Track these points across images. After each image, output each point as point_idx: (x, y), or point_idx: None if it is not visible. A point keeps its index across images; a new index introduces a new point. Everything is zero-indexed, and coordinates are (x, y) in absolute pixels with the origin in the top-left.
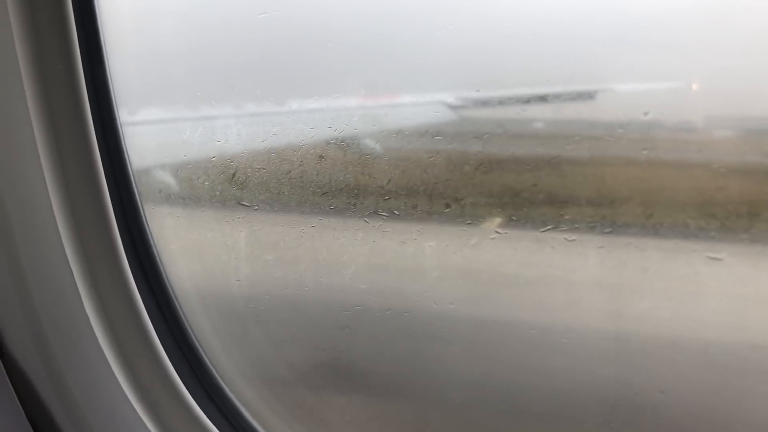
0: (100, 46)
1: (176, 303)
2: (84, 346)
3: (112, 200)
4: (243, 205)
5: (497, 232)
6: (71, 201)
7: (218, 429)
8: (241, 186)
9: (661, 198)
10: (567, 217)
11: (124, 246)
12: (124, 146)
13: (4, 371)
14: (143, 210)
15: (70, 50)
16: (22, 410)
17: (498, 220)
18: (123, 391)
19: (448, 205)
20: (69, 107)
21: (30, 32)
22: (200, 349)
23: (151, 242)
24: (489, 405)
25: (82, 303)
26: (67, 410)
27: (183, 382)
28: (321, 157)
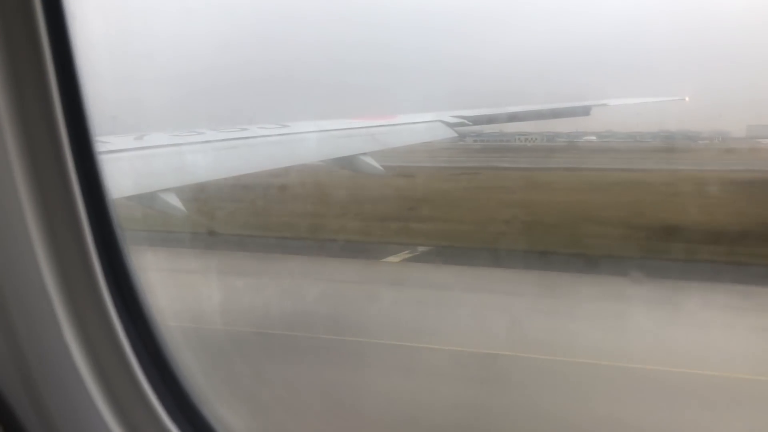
0: (77, 75)
1: (158, 334)
2: (67, 377)
3: (91, 229)
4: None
5: None
6: (51, 230)
7: None
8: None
9: None
10: None
11: (105, 277)
12: (101, 176)
13: None
14: (121, 237)
15: (46, 84)
16: None
17: None
18: (106, 423)
19: None
20: (46, 140)
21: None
22: (181, 379)
23: (130, 270)
24: None
25: (62, 331)
26: None
27: (164, 408)
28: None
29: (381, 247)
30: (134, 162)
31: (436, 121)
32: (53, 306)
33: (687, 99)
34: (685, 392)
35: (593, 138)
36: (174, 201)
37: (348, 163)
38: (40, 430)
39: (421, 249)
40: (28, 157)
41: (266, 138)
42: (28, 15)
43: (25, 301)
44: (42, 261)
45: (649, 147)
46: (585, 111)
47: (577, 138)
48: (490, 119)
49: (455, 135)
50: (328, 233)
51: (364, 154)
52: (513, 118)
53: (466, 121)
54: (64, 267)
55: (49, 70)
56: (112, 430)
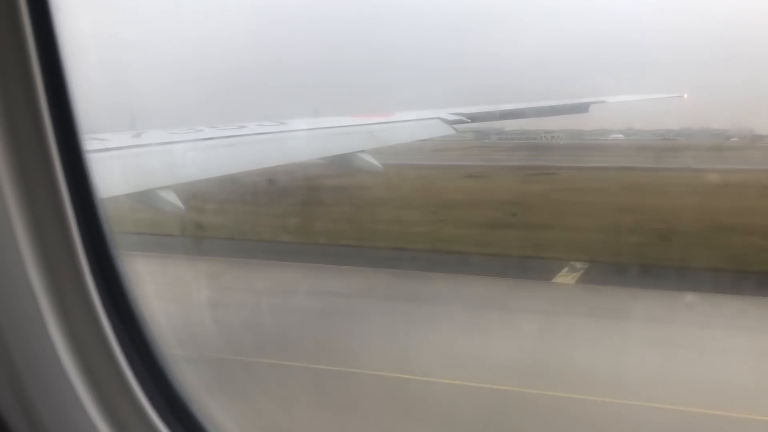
0: (64, 74)
1: (147, 333)
2: (54, 377)
3: (78, 227)
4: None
5: None
6: (38, 229)
7: None
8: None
9: None
10: None
11: (93, 276)
12: (89, 174)
13: None
14: (110, 236)
15: (32, 84)
16: None
17: None
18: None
19: None
20: (33, 138)
21: None
22: (175, 384)
23: (119, 269)
24: None
25: (48, 330)
26: None
27: (153, 406)
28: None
29: (525, 262)
30: (132, 159)
31: (434, 118)
32: (40, 305)
33: (685, 96)
34: None
35: (620, 136)
36: (172, 198)
37: (346, 160)
38: (26, 429)
39: (579, 266)
40: (14, 156)
41: (264, 135)
42: (13, 10)
43: (11, 301)
44: (28, 260)
45: (684, 145)
46: (584, 108)
47: (603, 136)
48: (489, 116)
49: (453, 132)
50: (438, 243)
51: (363, 151)
52: (511, 115)
53: (464, 118)
54: (51, 265)
55: (34, 67)
56: (99, 429)
